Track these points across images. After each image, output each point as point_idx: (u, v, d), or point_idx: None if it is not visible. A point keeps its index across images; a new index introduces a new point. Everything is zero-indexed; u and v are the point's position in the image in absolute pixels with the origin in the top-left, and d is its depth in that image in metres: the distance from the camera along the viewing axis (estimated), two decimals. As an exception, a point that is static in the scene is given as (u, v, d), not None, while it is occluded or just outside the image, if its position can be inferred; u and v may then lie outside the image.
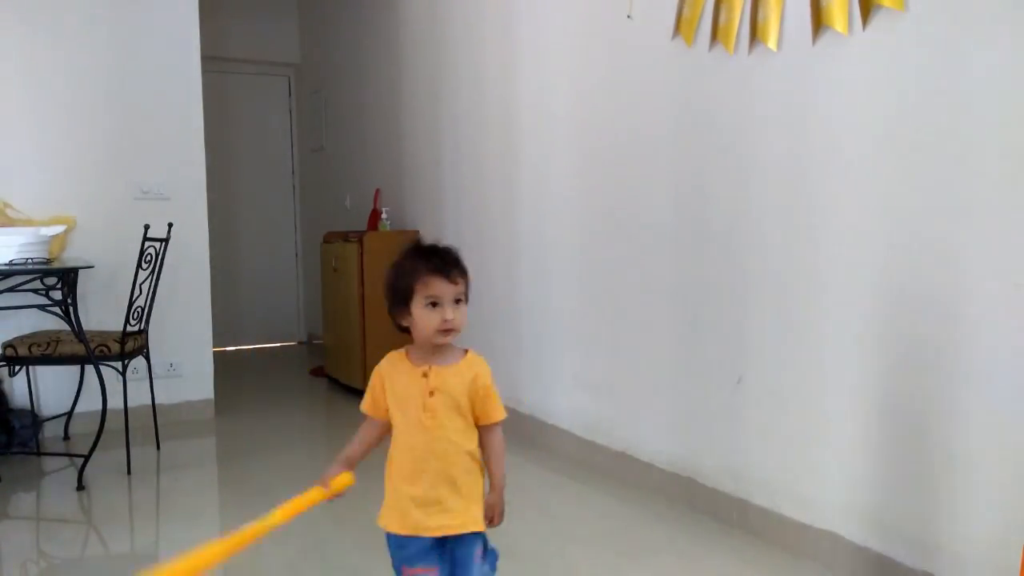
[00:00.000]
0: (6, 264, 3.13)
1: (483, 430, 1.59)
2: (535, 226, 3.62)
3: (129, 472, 3.29)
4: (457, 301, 1.53)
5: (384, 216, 4.80)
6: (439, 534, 1.54)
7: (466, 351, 1.60)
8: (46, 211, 3.83)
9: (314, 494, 1.53)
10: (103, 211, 3.95)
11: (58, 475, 3.38)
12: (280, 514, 1.42)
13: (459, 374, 1.56)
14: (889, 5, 2.02)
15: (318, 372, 5.35)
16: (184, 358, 4.17)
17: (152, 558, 2.55)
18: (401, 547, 1.56)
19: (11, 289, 3.13)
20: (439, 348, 1.56)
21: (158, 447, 3.64)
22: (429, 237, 4.54)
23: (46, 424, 3.80)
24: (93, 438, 3.19)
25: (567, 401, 3.45)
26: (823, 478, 2.30)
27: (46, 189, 3.85)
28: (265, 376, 5.57)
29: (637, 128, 2.97)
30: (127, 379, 3.33)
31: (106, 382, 3.21)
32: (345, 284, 4.71)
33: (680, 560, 2.38)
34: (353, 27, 5.67)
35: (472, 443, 1.58)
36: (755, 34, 2.42)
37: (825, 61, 2.23)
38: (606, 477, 3.12)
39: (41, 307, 3.18)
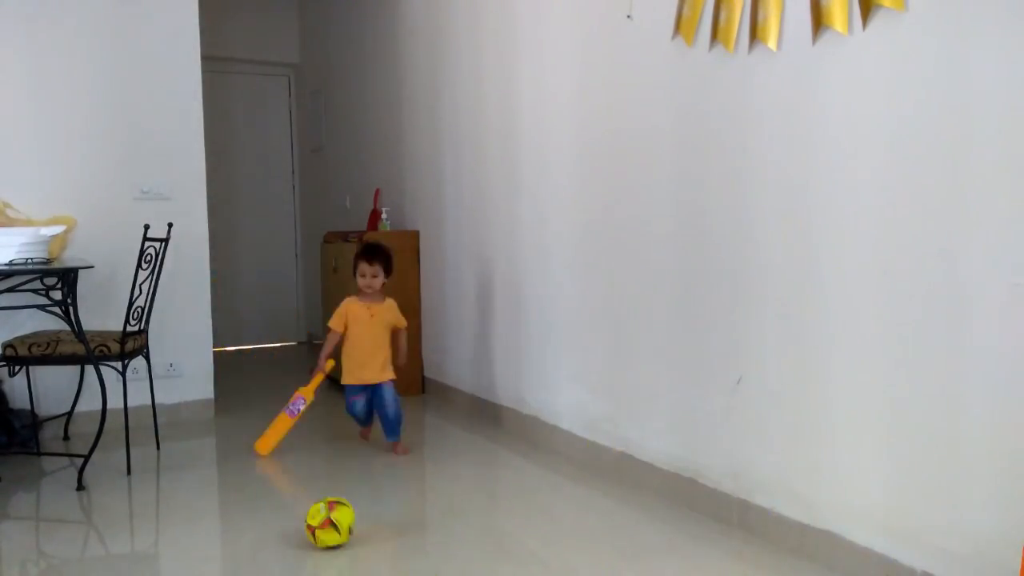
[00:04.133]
0: (6, 264, 3.12)
1: (395, 332, 3.57)
2: (535, 226, 3.62)
3: (129, 472, 3.29)
4: (375, 276, 3.46)
5: (384, 216, 4.80)
6: (372, 381, 3.45)
7: (385, 297, 3.54)
8: (46, 211, 3.83)
9: (318, 378, 3.49)
10: (103, 211, 3.95)
11: (58, 475, 3.38)
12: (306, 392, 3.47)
13: (386, 308, 3.53)
14: (889, 5, 2.02)
15: (318, 372, 5.35)
16: (184, 358, 4.17)
17: (152, 558, 2.55)
18: (352, 392, 3.49)
19: (11, 289, 3.13)
20: (371, 294, 3.49)
21: (158, 447, 3.65)
22: (429, 237, 4.60)
23: (46, 424, 3.81)
24: (93, 438, 3.19)
25: (568, 401, 3.45)
26: (823, 478, 2.30)
27: (46, 189, 3.85)
28: (265, 376, 5.57)
29: (637, 128, 2.97)
30: (127, 379, 3.33)
31: (106, 382, 3.21)
32: (345, 284, 4.70)
33: (680, 560, 2.38)
34: (353, 27, 5.67)
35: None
36: (755, 34, 2.42)
37: (825, 61, 2.23)
38: (606, 477, 3.12)
39: (41, 307, 3.18)
